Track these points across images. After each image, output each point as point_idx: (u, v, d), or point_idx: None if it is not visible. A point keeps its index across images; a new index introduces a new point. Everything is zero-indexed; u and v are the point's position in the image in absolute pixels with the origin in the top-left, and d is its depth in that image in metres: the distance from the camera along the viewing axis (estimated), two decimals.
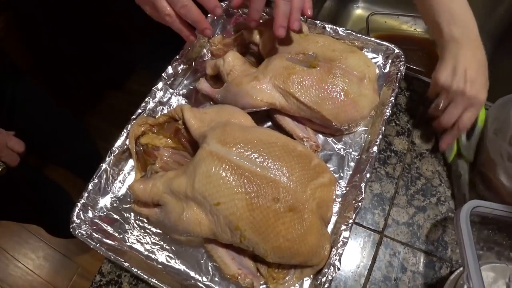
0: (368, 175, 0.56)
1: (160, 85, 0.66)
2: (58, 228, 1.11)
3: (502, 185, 0.56)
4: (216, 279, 0.56)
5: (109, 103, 1.65)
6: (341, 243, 0.53)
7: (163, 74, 0.67)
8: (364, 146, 0.62)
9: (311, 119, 0.62)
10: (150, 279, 0.53)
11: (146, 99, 0.65)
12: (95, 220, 0.60)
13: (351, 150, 0.62)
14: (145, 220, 0.60)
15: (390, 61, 0.68)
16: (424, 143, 0.64)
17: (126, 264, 0.54)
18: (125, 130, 0.63)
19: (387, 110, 0.61)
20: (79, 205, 0.59)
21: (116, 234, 0.59)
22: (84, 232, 0.58)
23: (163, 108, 0.68)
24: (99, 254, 0.55)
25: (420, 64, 0.87)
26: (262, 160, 0.51)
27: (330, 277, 0.51)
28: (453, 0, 0.58)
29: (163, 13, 0.56)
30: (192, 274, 0.56)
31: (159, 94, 0.66)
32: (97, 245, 0.56)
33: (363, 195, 0.55)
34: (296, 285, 0.54)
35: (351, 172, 0.60)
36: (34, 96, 0.94)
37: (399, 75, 0.64)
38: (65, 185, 1.12)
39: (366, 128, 0.64)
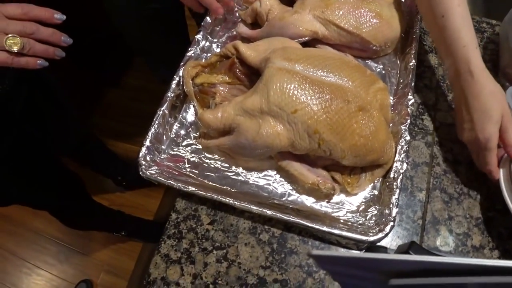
0: (412, 84, 0.62)
1: (200, 34, 0.69)
2: (74, 218, 1.09)
3: None
4: (293, 193, 0.58)
5: (107, 100, 1.64)
6: (404, 141, 0.57)
7: (202, 23, 0.70)
8: (401, 62, 0.67)
9: (350, 46, 0.67)
10: (232, 201, 0.55)
11: (190, 48, 0.68)
12: (162, 161, 0.62)
13: (390, 68, 0.68)
14: (210, 155, 0.62)
15: None
16: None
17: (209, 194, 0.56)
18: (175, 76, 0.65)
19: (417, 30, 0.67)
20: (143, 148, 0.60)
21: (185, 171, 0.61)
22: (153, 172, 0.59)
23: (206, 55, 0.70)
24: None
25: None
26: (326, 70, 0.55)
27: (401, 171, 0.56)
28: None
29: None
30: (269, 193, 0.59)
31: (202, 43, 0.69)
32: (171, 182, 0.58)
33: (413, 99, 0.60)
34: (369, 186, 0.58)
35: (395, 86, 0.66)
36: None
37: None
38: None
39: (399, 50, 0.69)
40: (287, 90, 0.53)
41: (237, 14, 0.74)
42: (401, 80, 0.65)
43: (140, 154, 0.60)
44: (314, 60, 0.56)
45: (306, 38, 0.65)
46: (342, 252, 0.48)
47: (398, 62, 0.68)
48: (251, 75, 0.63)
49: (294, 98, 0.52)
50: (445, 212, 0.58)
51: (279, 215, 0.54)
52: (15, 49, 0.49)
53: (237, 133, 0.56)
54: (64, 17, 0.52)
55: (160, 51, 1.11)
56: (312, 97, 0.52)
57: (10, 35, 0.48)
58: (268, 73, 0.55)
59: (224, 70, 0.64)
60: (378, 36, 0.64)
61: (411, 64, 0.64)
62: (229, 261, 0.56)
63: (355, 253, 0.50)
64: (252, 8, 0.69)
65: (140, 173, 0.59)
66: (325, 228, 0.53)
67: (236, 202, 0.55)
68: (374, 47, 0.65)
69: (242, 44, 0.61)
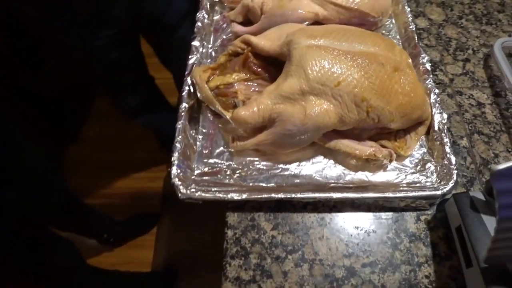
0: (420, 43, 0.64)
1: (197, 40, 0.65)
2: None
3: None
4: (347, 172, 0.56)
5: (73, 157, 1.49)
6: (433, 95, 0.58)
7: (195, 30, 0.66)
8: (400, 29, 0.69)
9: (350, 22, 0.67)
10: (296, 195, 0.51)
11: (190, 56, 0.63)
12: (198, 177, 0.56)
13: (391, 36, 0.69)
14: (250, 157, 0.57)
15: None
16: (438, 16, 0.74)
17: (264, 195, 0.51)
18: (185, 86, 0.60)
19: None
20: (174, 168, 0.53)
21: (227, 181, 0.56)
22: (194, 190, 0.53)
23: (207, 61, 0.66)
24: None
25: None
26: (350, 41, 0.54)
27: (443, 121, 0.56)
28: None
29: None
30: (325, 179, 0.55)
31: (200, 49, 0.65)
32: (219, 195, 0.52)
33: (426, 56, 0.62)
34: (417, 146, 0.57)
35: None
36: None
37: None
38: None
39: (392, 19, 0.72)
40: (325, 65, 0.50)
41: (224, 15, 0.71)
42: (407, 44, 0.66)
43: (172, 175, 0.53)
44: (336, 34, 0.55)
45: (308, 22, 0.64)
46: None
47: (397, 29, 0.70)
48: (267, 66, 0.60)
49: (333, 71, 0.50)
50: (489, 151, 0.59)
51: (351, 195, 0.50)
52: None
53: (281, 122, 0.52)
54: None
55: (119, 80, 1.04)
56: (350, 67, 0.51)
57: None
58: (297, 54, 0.52)
59: (238, 68, 0.60)
60: (375, 6, 0.65)
61: (411, 27, 0.66)
62: (309, 262, 0.50)
63: None
64: (242, 5, 0.67)
65: (179, 195, 0.52)
66: (398, 194, 0.50)
67: (300, 195, 0.51)
68: (372, 19, 0.66)
69: (252, 37, 0.58)
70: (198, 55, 0.64)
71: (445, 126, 0.55)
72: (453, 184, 0.51)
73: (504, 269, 0.41)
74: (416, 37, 0.64)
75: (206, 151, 0.59)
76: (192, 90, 0.60)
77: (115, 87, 1.05)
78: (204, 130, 0.61)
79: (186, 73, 0.61)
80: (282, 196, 0.51)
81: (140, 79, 1.11)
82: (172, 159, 0.54)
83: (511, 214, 0.30)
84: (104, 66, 0.95)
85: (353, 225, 0.53)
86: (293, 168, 0.56)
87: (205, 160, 0.58)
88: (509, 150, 0.59)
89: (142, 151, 1.54)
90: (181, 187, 0.52)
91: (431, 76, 0.59)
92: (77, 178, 1.40)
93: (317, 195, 0.51)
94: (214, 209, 0.58)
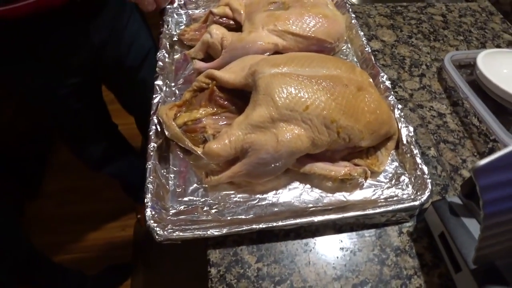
0: (377, 64, 0.66)
1: (160, 80, 0.65)
2: None
3: None
4: (325, 195, 0.55)
5: (33, 214, 1.39)
6: (397, 110, 0.60)
7: (157, 69, 0.66)
8: (356, 53, 0.72)
9: (308, 50, 0.69)
10: (278, 223, 0.50)
11: (154, 95, 0.62)
12: (174, 217, 0.53)
13: (349, 59, 0.72)
14: (225, 191, 0.56)
15: None
16: (390, 38, 0.78)
17: (244, 227, 0.49)
18: (153, 127, 0.58)
19: (355, 22, 0.73)
20: (148, 211, 0.51)
21: (204, 217, 0.54)
22: (171, 230, 0.50)
23: (171, 100, 0.66)
24: None
25: None
26: (312, 66, 0.56)
27: (410, 134, 0.57)
28: None
29: None
30: (304, 204, 0.55)
31: (164, 88, 0.65)
32: (198, 233, 0.50)
33: (385, 75, 0.64)
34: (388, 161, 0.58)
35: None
36: None
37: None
38: None
39: (348, 44, 0.75)
40: (291, 90, 0.51)
41: (185, 53, 0.72)
42: (365, 66, 0.69)
43: (147, 217, 0.50)
44: (298, 60, 0.56)
45: (268, 52, 0.66)
46: None
47: (353, 53, 0.73)
48: (233, 98, 0.60)
49: (300, 96, 0.51)
50: (457, 158, 0.61)
51: (332, 216, 0.50)
52: None
53: (254, 152, 0.52)
54: None
55: (82, 130, 1.01)
56: (316, 90, 0.52)
57: None
58: (263, 83, 0.53)
59: (204, 102, 0.60)
60: (331, 33, 0.68)
61: (366, 49, 0.69)
62: None
63: None
64: (202, 42, 0.68)
65: (156, 237, 0.50)
66: (378, 210, 0.51)
67: (281, 223, 0.50)
68: (329, 45, 0.69)
69: (216, 71, 0.59)
70: (162, 94, 0.63)
71: (413, 139, 0.57)
72: (429, 193, 0.51)
73: (494, 267, 0.41)
74: (373, 58, 0.67)
75: (180, 190, 0.57)
76: (159, 129, 0.59)
77: (77, 138, 1.01)
78: (175, 169, 0.59)
79: (152, 112, 0.60)
80: (264, 226, 0.49)
81: (103, 128, 1.08)
82: (146, 200, 0.52)
83: (495, 209, 0.31)
84: (66, 117, 0.92)
85: (338, 246, 0.52)
86: (271, 197, 0.55)
87: (180, 199, 0.56)
88: (475, 154, 0.61)
89: (107, 201, 1.49)
90: (157, 229, 0.50)
91: (392, 92, 0.62)
92: (42, 235, 1.31)
93: (298, 220, 0.50)
94: (191, 249, 0.56)
